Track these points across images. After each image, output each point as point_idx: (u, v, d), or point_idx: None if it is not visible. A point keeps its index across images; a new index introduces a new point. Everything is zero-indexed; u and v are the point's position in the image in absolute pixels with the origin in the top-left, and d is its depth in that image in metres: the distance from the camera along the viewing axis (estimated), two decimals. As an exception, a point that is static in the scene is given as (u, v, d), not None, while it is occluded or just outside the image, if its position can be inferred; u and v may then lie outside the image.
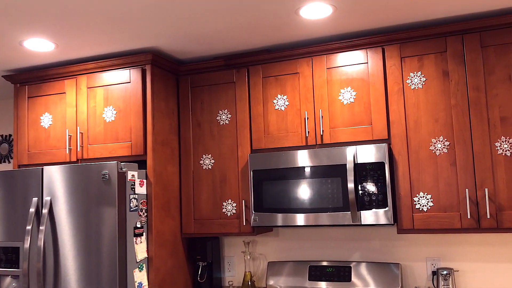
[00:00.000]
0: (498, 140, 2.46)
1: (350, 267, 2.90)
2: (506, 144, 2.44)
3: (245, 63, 3.00)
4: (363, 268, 2.87)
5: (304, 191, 2.72)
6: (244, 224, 2.89)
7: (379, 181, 2.58)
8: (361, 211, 2.60)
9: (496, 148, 2.46)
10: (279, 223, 2.77)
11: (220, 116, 3.03)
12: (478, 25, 2.52)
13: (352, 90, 2.76)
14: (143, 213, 2.80)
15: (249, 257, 3.16)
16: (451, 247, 2.80)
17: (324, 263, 2.97)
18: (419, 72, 2.63)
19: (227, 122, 3.01)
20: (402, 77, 2.66)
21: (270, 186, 2.80)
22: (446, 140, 2.55)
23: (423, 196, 2.56)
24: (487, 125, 2.48)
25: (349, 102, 2.76)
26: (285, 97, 2.90)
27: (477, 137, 2.49)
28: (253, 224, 2.82)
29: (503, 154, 2.44)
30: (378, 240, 2.96)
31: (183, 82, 3.14)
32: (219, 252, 3.27)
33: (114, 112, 2.96)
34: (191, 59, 3.16)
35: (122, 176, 2.68)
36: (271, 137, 2.90)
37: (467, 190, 2.46)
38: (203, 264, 3.13)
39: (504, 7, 2.48)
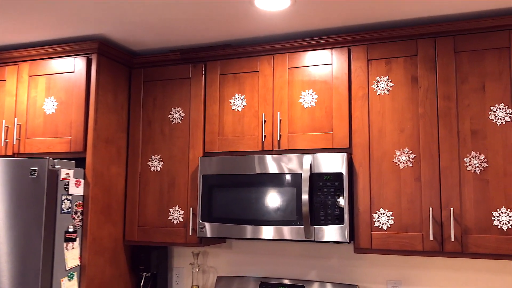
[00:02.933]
0: (468, 155, 2.23)
1: (303, 286, 2.64)
2: (476, 160, 2.21)
3: (203, 58, 2.76)
4: (317, 289, 2.62)
5: (256, 201, 2.47)
6: (191, 234, 2.63)
7: (337, 194, 2.34)
8: (315, 226, 2.36)
9: (465, 164, 2.23)
10: (228, 234, 2.51)
11: (173, 114, 2.78)
12: (452, 28, 2.30)
13: (314, 93, 2.52)
14: (78, 217, 2.53)
15: (197, 270, 2.90)
16: (414, 270, 2.56)
17: (276, 281, 2.71)
18: (386, 77, 2.40)
19: (180, 121, 2.76)
20: (367, 81, 2.43)
21: (220, 193, 2.55)
22: (411, 153, 2.31)
23: (384, 213, 2.32)
24: (456, 138, 2.25)
25: (310, 106, 2.52)
26: (243, 97, 2.66)
27: (445, 150, 2.26)
28: (199, 234, 2.56)
29: (472, 171, 2.21)
30: (336, 259, 2.71)
31: (135, 76, 2.89)
32: (166, 263, 3.00)
33: (55, 103, 2.70)
34: (145, 51, 2.92)
35: (53, 174, 2.41)
36: (226, 140, 2.65)
37: (431, 209, 2.22)
38: (147, 275, 2.86)
39: (480, 9, 2.26)
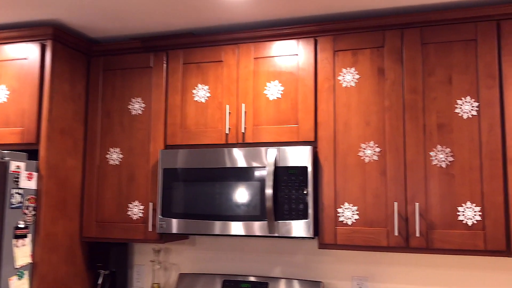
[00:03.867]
0: (434, 149, 2.19)
1: (267, 283, 2.57)
2: (442, 154, 2.17)
3: (165, 46, 2.65)
4: (281, 285, 2.55)
5: (219, 196, 2.38)
6: (150, 230, 2.52)
7: (301, 188, 2.27)
8: (279, 221, 2.28)
9: (431, 158, 2.18)
10: (188, 230, 2.41)
11: (133, 105, 2.66)
12: (419, 19, 2.25)
13: (280, 84, 2.44)
14: (30, 212, 2.39)
15: (159, 267, 2.79)
16: (381, 266, 2.52)
17: (240, 278, 2.63)
18: (353, 69, 2.34)
19: (140, 112, 2.65)
20: (334, 73, 2.36)
21: (182, 188, 2.44)
22: (377, 146, 2.26)
23: (348, 208, 2.26)
24: (422, 131, 2.20)
25: (275, 98, 2.44)
26: (206, 87, 2.56)
27: (411, 144, 2.21)
28: (160, 230, 2.46)
29: (438, 165, 2.17)
30: (301, 255, 2.64)
31: (94, 64, 2.75)
32: (126, 260, 2.88)
33: (7, 92, 2.54)
34: (105, 38, 2.78)
35: (1, 166, 2.27)
36: (188, 132, 2.55)
37: (396, 203, 2.17)
38: (105, 273, 2.74)
39: (448, 1, 2.22)
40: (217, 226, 2.37)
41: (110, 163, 2.66)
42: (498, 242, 2.05)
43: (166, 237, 2.58)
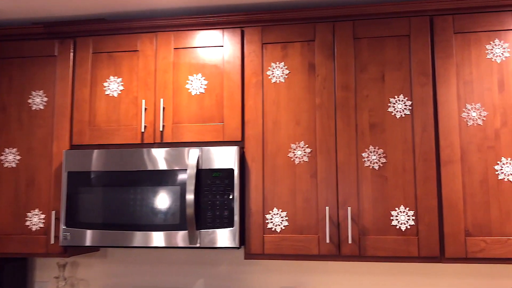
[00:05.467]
0: (366, 150, 2.06)
1: (188, 299, 2.33)
2: (375, 155, 2.05)
3: (72, 33, 2.32)
4: (204, 300, 2.32)
5: (133, 203, 2.10)
6: (53, 242, 2.18)
7: (227, 193, 2.05)
8: (201, 230, 2.05)
9: (363, 160, 2.06)
10: (98, 243, 2.11)
11: (33, 99, 2.31)
12: (351, 12, 2.12)
13: (203, 78, 2.21)
14: None
15: (64, 284, 2.45)
16: (311, 275, 2.36)
17: (157, 294, 2.37)
18: (282, 63, 2.16)
19: (42, 108, 2.30)
20: (262, 67, 2.17)
21: (89, 194, 2.14)
22: (307, 147, 2.10)
23: (277, 214, 2.08)
24: (354, 131, 2.07)
25: (198, 93, 2.21)
26: (119, 80, 2.27)
27: (343, 145, 2.07)
28: (63, 243, 2.13)
29: (371, 167, 2.05)
30: (226, 265, 2.43)
31: (-14, 51, 2.37)
32: (25, 277, 2.51)
33: None
34: (1, 21, 2.40)
35: None
36: (98, 130, 2.25)
37: (327, 208, 2.02)
38: (-1, 294, 2.36)
39: (381, -6, 2.11)
40: (132, 238, 2.09)
41: (6, 165, 2.29)
42: (431, 248, 1.95)
43: (72, 250, 2.26)
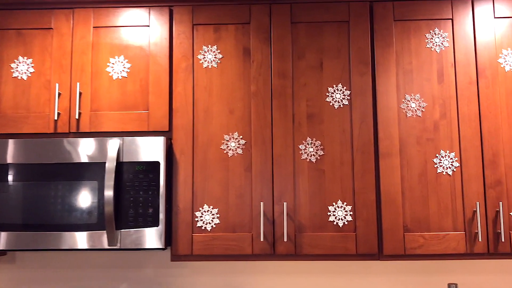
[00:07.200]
0: (303, 141, 1.93)
1: (109, 306, 2.10)
2: (312, 147, 1.93)
3: (-28, 5, 2.02)
4: (127, 307, 2.10)
5: (44, 200, 1.85)
6: None
7: (151, 189, 1.85)
8: (121, 230, 1.83)
9: (300, 152, 1.93)
10: (3, 245, 1.84)
11: None
12: (289, -6, 1.99)
13: (126, 60, 1.99)
14: None
15: (-38, 294, 2.14)
16: (244, 276, 2.21)
17: (73, 302, 2.12)
18: (215, 47, 1.99)
19: None
20: (192, 51, 1.99)
21: (-9, 189, 1.86)
22: (241, 138, 1.94)
23: (208, 211, 1.91)
24: (291, 122, 1.94)
25: (120, 77, 1.98)
26: (29, 61, 2.00)
27: (279, 136, 1.93)
28: (-42, 247, 1.83)
29: (308, 160, 1.92)
30: (151, 268, 2.22)
31: None
32: None
33: None
34: None
35: None
36: (3, 118, 1.96)
37: (262, 203, 1.87)
38: None
39: (320, -23, 1.99)
40: (41, 239, 1.83)
41: None
42: (369, 245, 1.86)
43: (-30, 255, 1.96)
